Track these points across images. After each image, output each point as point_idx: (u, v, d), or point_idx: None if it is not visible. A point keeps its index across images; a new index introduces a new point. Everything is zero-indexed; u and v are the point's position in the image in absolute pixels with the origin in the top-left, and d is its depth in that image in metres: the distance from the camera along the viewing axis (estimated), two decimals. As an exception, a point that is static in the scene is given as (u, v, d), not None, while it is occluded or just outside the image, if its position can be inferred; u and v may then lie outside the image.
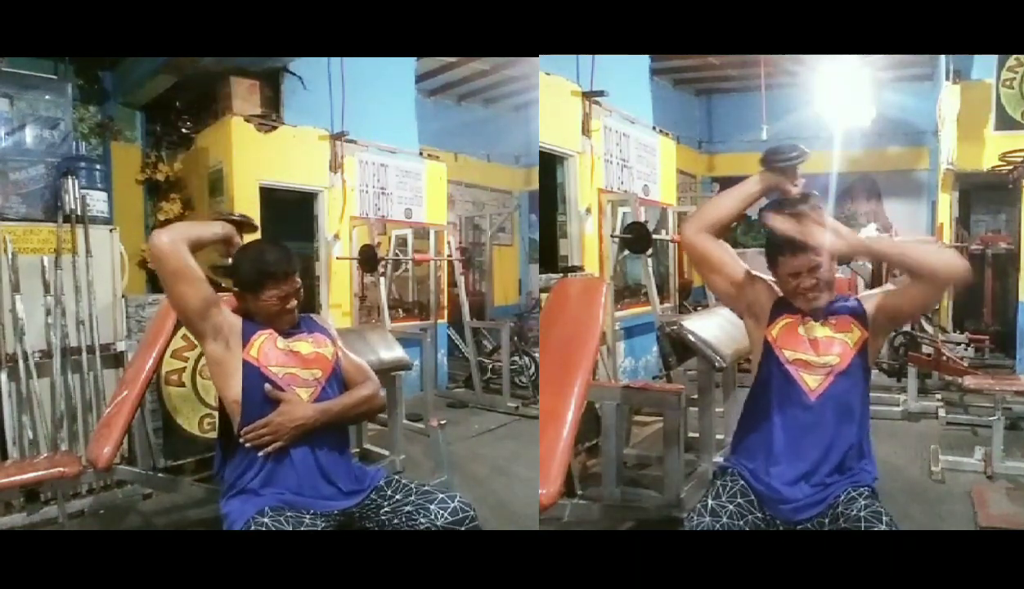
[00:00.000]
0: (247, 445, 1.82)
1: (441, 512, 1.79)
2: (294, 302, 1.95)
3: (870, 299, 1.89)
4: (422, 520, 1.79)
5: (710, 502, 1.78)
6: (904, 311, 1.90)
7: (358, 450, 3.90)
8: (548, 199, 5.12)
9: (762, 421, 1.84)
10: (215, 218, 2.07)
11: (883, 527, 1.60)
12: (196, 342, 1.92)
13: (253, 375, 1.85)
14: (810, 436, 1.78)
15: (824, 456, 1.77)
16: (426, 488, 1.89)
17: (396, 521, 1.83)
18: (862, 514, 1.64)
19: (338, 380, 2.00)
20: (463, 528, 1.80)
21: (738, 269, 1.91)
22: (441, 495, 1.85)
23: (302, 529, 1.74)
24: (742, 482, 1.82)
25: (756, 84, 8.40)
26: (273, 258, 1.90)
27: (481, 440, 4.71)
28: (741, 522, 1.75)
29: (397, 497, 1.88)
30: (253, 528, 1.70)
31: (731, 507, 1.76)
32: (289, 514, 1.76)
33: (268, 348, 1.89)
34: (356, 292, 5.64)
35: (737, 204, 1.86)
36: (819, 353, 1.81)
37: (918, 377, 4.97)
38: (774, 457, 1.79)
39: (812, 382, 1.79)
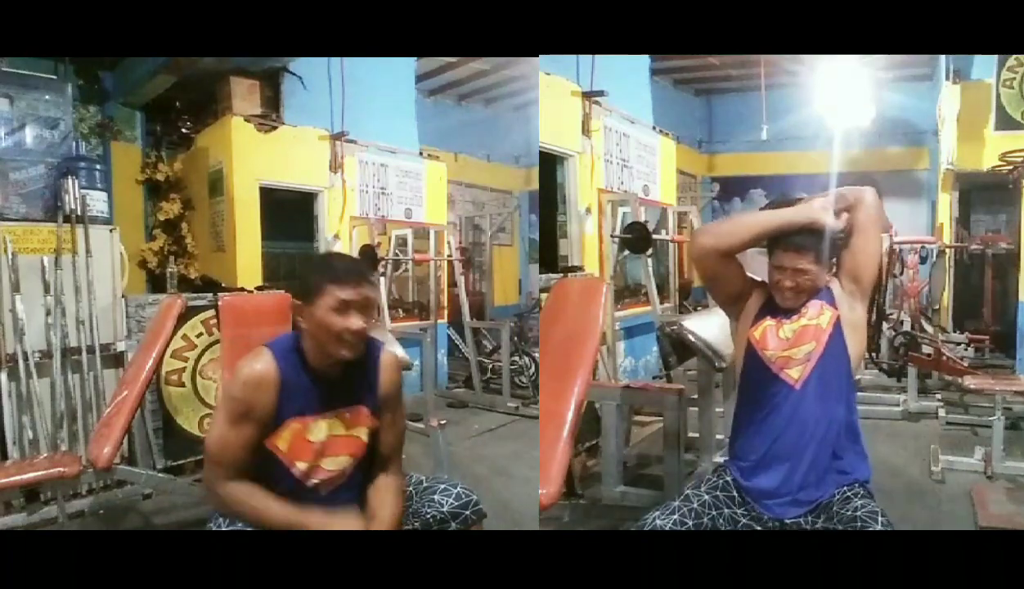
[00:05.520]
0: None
1: (446, 499, 1.80)
2: (361, 325, 1.59)
3: (835, 280, 1.88)
4: (428, 511, 1.79)
5: (688, 490, 1.84)
6: (859, 263, 1.84)
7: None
8: (548, 199, 5.11)
9: (748, 420, 1.87)
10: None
11: (879, 527, 1.60)
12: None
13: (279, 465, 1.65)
14: (797, 425, 1.78)
15: (814, 440, 1.77)
16: (425, 485, 1.89)
17: None
18: (858, 514, 1.64)
19: (363, 466, 1.75)
20: (468, 512, 1.80)
21: (741, 284, 1.92)
22: (443, 485, 1.86)
23: None
24: (728, 478, 1.86)
25: (756, 84, 8.40)
26: (340, 261, 1.70)
27: (481, 440, 4.71)
28: (714, 511, 1.79)
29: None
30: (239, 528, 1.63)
31: (707, 497, 1.80)
32: None
33: (299, 441, 1.64)
34: (356, 292, 5.63)
35: (767, 231, 1.81)
36: (797, 345, 1.81)
37: (918, 377, 4.97)
38: (763, 452, 1.80)
39: (795, 373, 1.80)
